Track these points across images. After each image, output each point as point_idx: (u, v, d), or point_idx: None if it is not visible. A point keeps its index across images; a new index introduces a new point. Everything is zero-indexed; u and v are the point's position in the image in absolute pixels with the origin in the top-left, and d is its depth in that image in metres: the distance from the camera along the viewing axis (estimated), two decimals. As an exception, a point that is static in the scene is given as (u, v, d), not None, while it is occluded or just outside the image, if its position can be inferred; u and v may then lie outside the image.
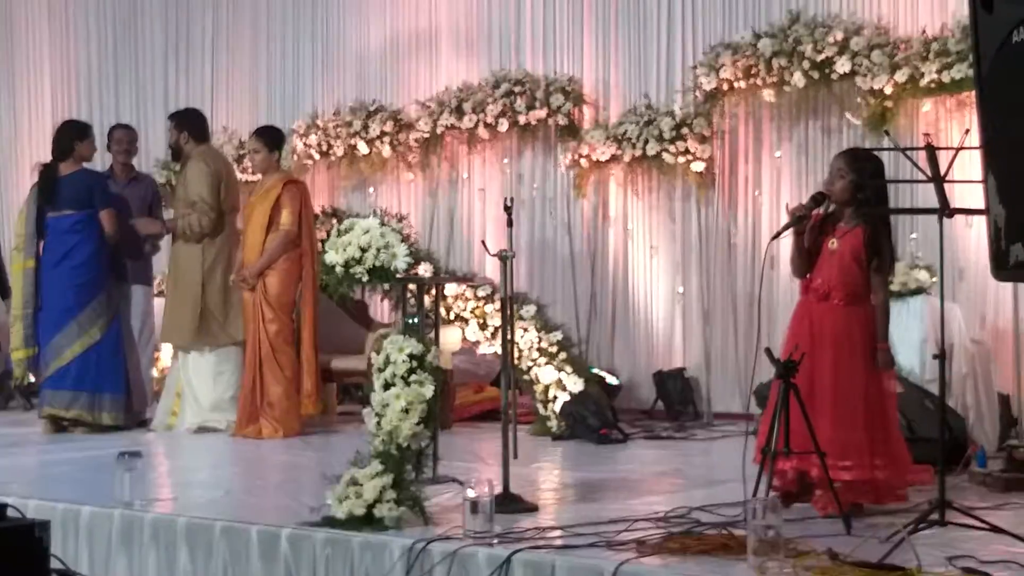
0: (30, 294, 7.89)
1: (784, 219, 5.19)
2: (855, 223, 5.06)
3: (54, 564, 3.98)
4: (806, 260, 5.14)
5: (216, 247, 7.97)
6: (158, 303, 8.48)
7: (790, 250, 5.21)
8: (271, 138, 7.96)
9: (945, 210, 4.76)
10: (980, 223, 6.88)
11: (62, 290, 7.83)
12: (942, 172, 4.76)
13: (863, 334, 5.01)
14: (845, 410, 4.90)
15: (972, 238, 7.33)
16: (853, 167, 5.06)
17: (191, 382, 7.97)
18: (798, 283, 5.26)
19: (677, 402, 8.47)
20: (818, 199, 5.10)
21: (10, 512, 3.99)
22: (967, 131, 5.08)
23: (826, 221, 5.14)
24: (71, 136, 8.03)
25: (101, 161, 8.62)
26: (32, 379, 8.39)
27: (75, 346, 7.81)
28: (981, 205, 3.83)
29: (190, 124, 8.13)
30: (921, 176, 4.86)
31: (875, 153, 5.34)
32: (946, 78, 7.27)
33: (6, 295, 9.43)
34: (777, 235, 5.14)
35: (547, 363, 7.76)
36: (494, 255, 5.28)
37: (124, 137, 8.51)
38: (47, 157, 8.21)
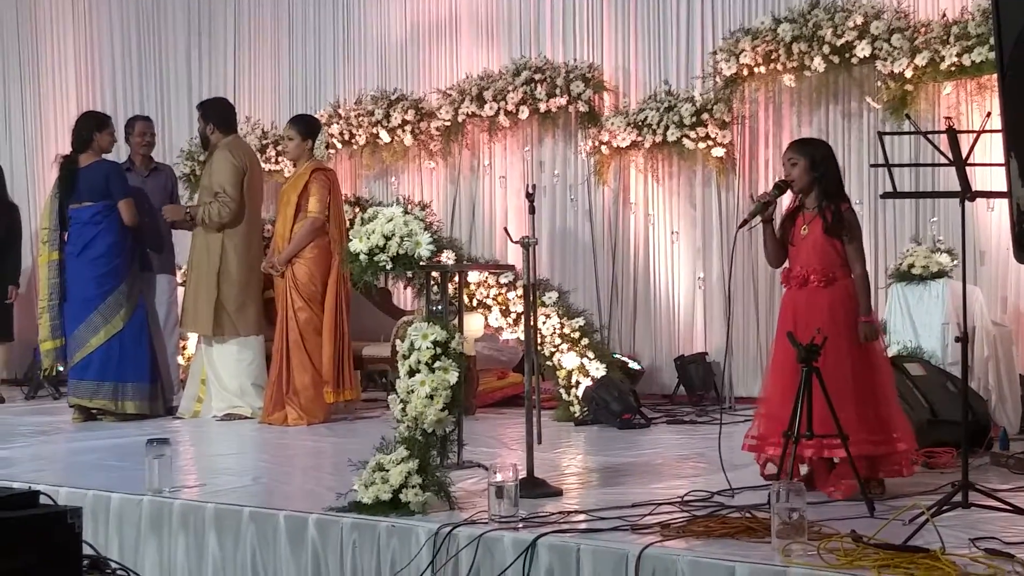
0: (55, 285, 7.97)
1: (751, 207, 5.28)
2: (820, 206, 5.15)
3: (86, 550, 4.03)
4: (780, 249, 5.28)
5: (235, 239, 8.00)
6: (181, 292, 8.56)
7: (762, 239, 5.31)
8: (304, 126, 7.99)
9: (967, 193, 4.77)
10: (1002, 206, 6.87)
11: (84, 281, 7.91)
12: (964, 155, 4.77)
13: (845, 312, 5.10)
14: (835, 389, 4.92)
15: (993, 221, 7.32)
16: (803, 153, 5.21)
17: (215, 369, 8.04)
18: (780, 275, 5.33)
19: (699, 387, 8.49)
20: (781, 186, 5.26)
21: (42, 499, 4.04)
22: (988, 114, 5.10)
23: (796, 212, 5.24)
24: (90, 127, 8.09)
25: (119, 153, 8.68)
26: (61, 369, 8.47)
27: (99, 335, 7.88)
28: (1003, 188, 3.84)
29: (217, 113, 8.17)
30: (943, 159, 4.87)
31: (888, 134, 5.40)
32: (967, 61, 7.25)
33: (4, 282, 9.56)
34: (744, 223, 5.25)
35: (569, 349, 7.78)
36: (516, 242, 5.31)
37: (144, 129, 8.56)
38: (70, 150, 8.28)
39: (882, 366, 5.18)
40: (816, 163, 5.16)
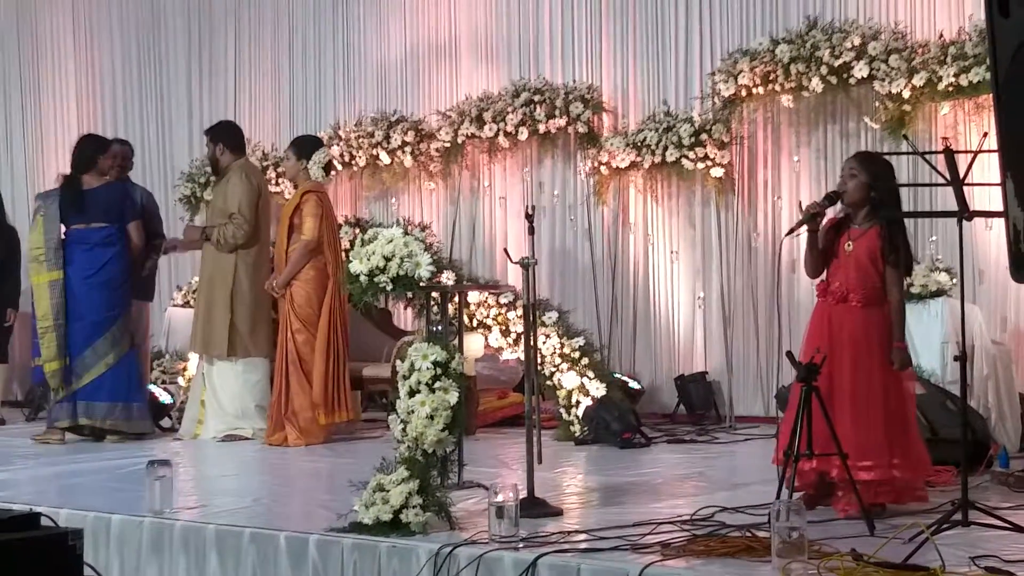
0: (60, 305, 7.94)
1: (798, 217, 5.24)
2: (869, 224, 5.10)
3: (87, 572, 4.03)
4: (820, 260, 5.20)
5: (247, 260, 8.03)
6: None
7: (804, 249, 5.27)
8: (298, 147, 8.03)
9: (964, 213, 4.78)
10: (1000, 225, 6.86)
11: (96, 303, 7.92)
12: (961, 175, 4.79)
13: (881, 335, 5.05)
14: (864, 411, 4.93)
15: (992, 240, 7.34)
16: (865, 168, 5.13)
17: (215, 390, 8.04)
18: (816, 286, 5.31)
19: (699, 406, 8.49)
20: (832, 198, 5.18)
21: (43, 521, 4.05)
22: (985, 134, 5.11)
23: (842, 224, 5.18)
24: (94, 149, 8.13)
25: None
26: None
27: (109, 358, 7.89)
28: (1001, 208, 3.85)
29: (225, 136, 8.22)
30: (940, 179, 4.89)
31: (886, 156, 5.40)
32: (964, 81, 7.28)
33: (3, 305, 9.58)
34: (791, 232, 5.21)
35: (569, 369, 7.79)
36: (516, 262, 5.33)
37: (120, 152, 8.59)
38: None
39: (910, 394, 5.14)
40: (876, 182, 5.07)
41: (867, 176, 5.09)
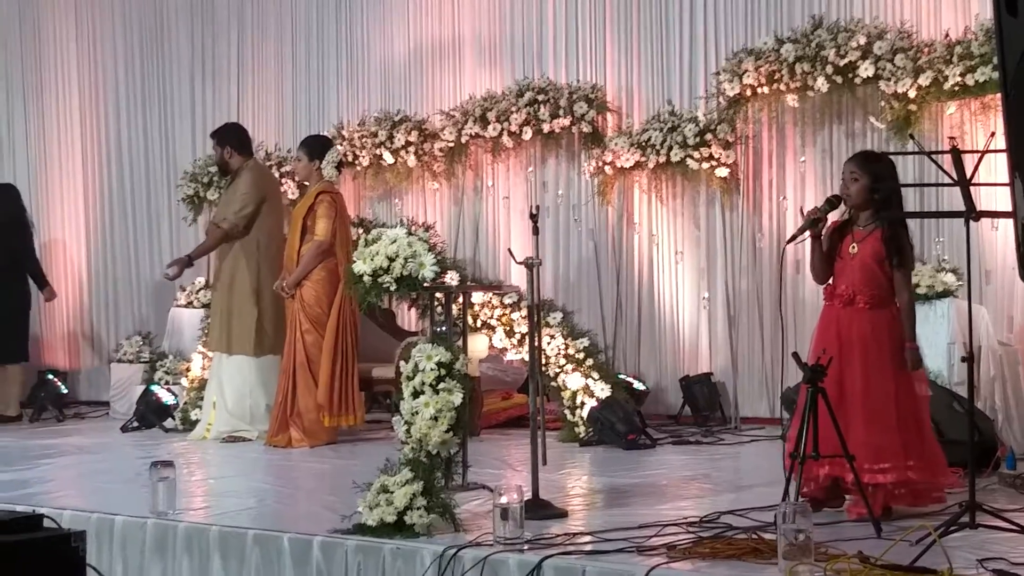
0: None
1: (800, 223, 5.22)
2: (873, 226, 5.08)
3: (90, 574, 4.02)
4: (827, 265, 5.18)
5: (269, 260, 8.08)
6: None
7: (809, 255, 5.25)
8: (310, 147, 8.02)
9: (971, 213, 4.76)
10: (1007, 225, 6.87)
11: None
12: (968, 175, 4.77)
13: (891, 336, 5.02)
14: (877, 413, 4.90)
15: (999, 240, 7.31)
16: (866, 169, 5.10)
17: (223, 388, 8.03)
18: (823, 289, 5.28)
19: (704, 407, 8.46)
20: (833, 202, 5.16)
21: (46, 523, 4.04)
22: (992, 134, 5.10)
23: (845, 226, 5.16)
24: None
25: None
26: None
27: None
28: (1008, 208, 3.83)
29: (231, 138, 8.30)
30: (947, 179, 4.87)
31: (887, 154, 5.38)
32: (970, 81, 7.25)
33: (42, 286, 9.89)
34: (792, 239, 5.18)
35: (574, 369, 7.78)
36: (520, 263, 5.32)
37: None
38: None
39: (923, 395, 5.10)
40: (879, 182, 5.03)
41: (869, 178, 5.06)
